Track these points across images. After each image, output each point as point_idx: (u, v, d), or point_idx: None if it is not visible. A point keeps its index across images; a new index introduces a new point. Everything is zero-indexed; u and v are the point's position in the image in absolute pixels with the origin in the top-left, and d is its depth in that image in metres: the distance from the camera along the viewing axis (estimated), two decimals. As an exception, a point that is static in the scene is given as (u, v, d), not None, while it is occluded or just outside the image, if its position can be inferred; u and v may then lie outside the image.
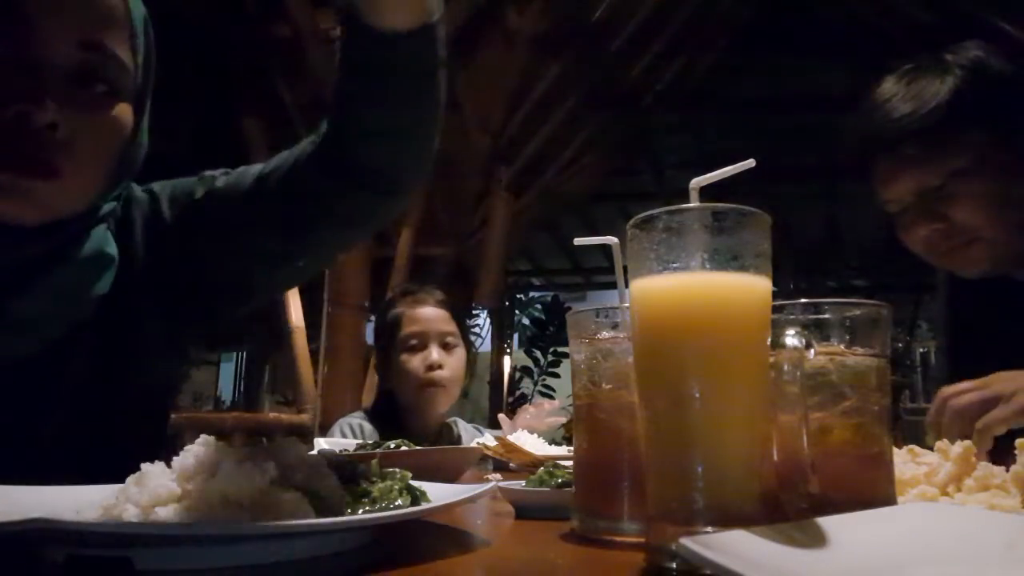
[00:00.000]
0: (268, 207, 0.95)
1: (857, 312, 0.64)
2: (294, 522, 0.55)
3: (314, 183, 0.92)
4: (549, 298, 10.65)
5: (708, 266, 0.55)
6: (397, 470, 0.70)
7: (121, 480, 0.62)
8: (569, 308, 7.72)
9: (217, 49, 4.52)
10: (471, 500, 0.71)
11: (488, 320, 9.29)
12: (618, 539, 0.66)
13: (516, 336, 10.77)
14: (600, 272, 10.38)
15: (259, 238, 0.97)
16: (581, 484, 0.73)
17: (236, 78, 4.90)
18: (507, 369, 9.17)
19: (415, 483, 0.70)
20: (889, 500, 0.64)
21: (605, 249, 0.75)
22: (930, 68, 1.23)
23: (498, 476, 1.29)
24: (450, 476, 1.12)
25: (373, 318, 4.95)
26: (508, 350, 9.50)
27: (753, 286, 0.56)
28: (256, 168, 0.98)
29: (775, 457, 0.60)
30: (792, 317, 0.63)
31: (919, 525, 0.49)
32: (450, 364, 1.98)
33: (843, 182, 7.65)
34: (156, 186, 1.01)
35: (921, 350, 8.23)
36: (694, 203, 0.58)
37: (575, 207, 8.21)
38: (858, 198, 7.10)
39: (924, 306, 8.65)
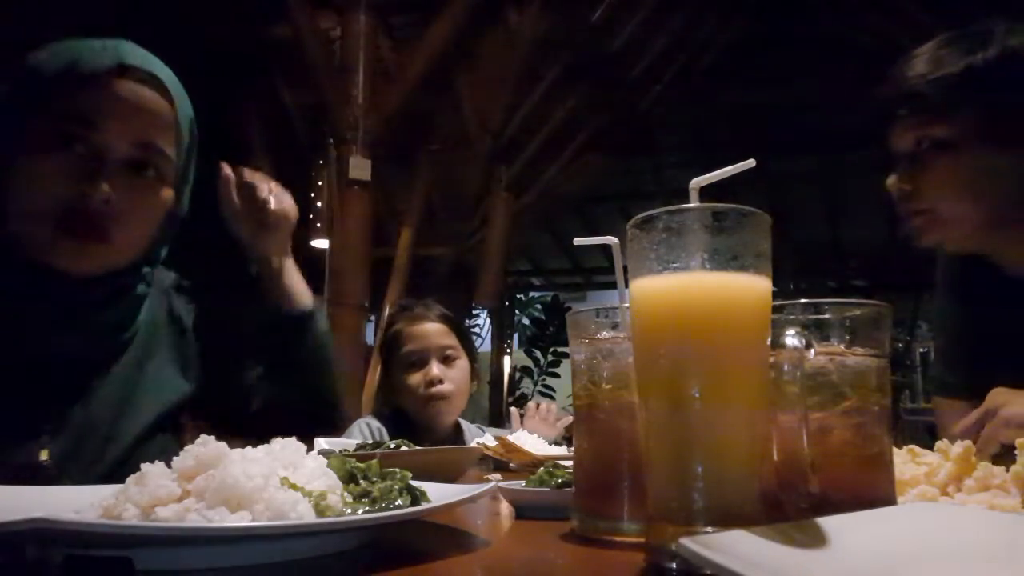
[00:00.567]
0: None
1: (857, 312, 0.64)
2: (294, 522, 0.55)
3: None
4: (549, 298, 10.65)
5: (708, 266, 0.55)
6: (397, 470, 0.70)
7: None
8: (569, 308, 7.71)
9: (217, 49, 4.52)
10: (471, 500, 0.71)
11: (488, 320, 9.30)
12: (618, 539, 0.66)
13: (516, 336, 10.78)
14: (600, 272, 10.38)
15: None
16: (581, 484, 0.73)
17: (236, 78, 4.91)
18: (507, 369, 9.17)
19: (415, 483, 0.70)
20: (889, 500, 0.63)
21: (605, 249, 0.75)
22: (965, 40, 1.23)
23: (498, 476, 1.29)
24: (450, 476, 1.12)
25: (373, 318, 4.96)
26: (508, 350, 9.50)
27: (753, 286, 0.56)
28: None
29: (775, 457, 0.60)
30: (792, 317, 0.63)
31: (919, 525, 0.49)
32: (451, 377, 1.99)
33: (843, 182, 7.67)
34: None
35: (921, 350, 8.25)
36: (694, 203, 0.58)
37: (575, 207, 8.21)
38: (858, 198, 7.13)
39: (924, 306, 8.67)
